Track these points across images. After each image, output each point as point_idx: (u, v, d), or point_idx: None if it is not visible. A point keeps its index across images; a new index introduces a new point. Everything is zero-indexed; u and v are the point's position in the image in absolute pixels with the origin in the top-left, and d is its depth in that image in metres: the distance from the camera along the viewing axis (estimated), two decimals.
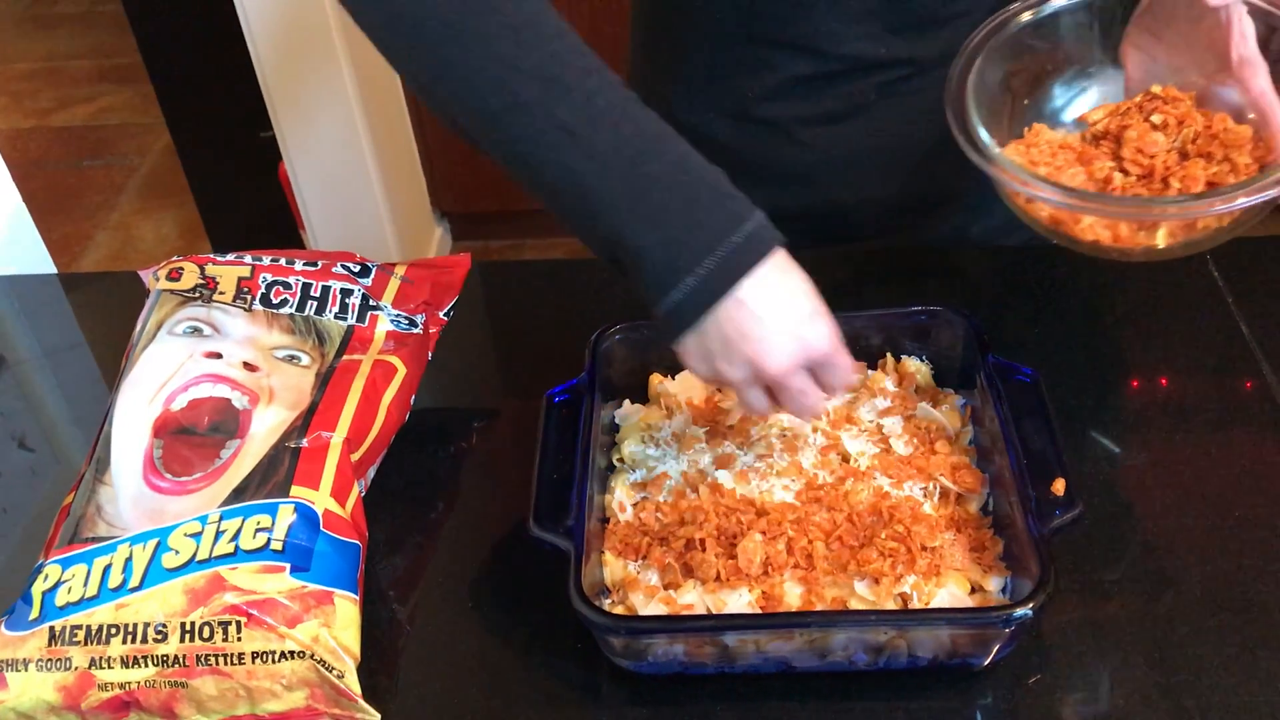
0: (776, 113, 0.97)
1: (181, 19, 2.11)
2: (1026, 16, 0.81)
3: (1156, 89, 0.80)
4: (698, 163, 0.68)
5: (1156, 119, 0.78)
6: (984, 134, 0.77)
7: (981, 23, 0.92)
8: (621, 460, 0.81)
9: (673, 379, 0.85)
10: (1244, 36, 0.75)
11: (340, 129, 2.06)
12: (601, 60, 0.69)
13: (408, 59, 0.70)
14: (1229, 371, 0.89)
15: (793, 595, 0.71)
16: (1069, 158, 0.79)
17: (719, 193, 0.68)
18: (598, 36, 2.50)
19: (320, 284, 0.86)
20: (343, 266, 0.87)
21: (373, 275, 0.88)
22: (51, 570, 0.72)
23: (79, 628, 0.69)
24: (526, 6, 0.68)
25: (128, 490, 0.74)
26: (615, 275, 0.70)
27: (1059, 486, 0.71)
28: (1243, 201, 0.70)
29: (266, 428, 0.77)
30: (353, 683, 0.69)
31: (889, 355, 0.85)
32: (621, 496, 0.77)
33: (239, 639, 0.68)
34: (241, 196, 2.32)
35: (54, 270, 1.23)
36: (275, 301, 0.85)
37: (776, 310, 0.67)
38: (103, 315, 1.10)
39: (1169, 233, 0.74)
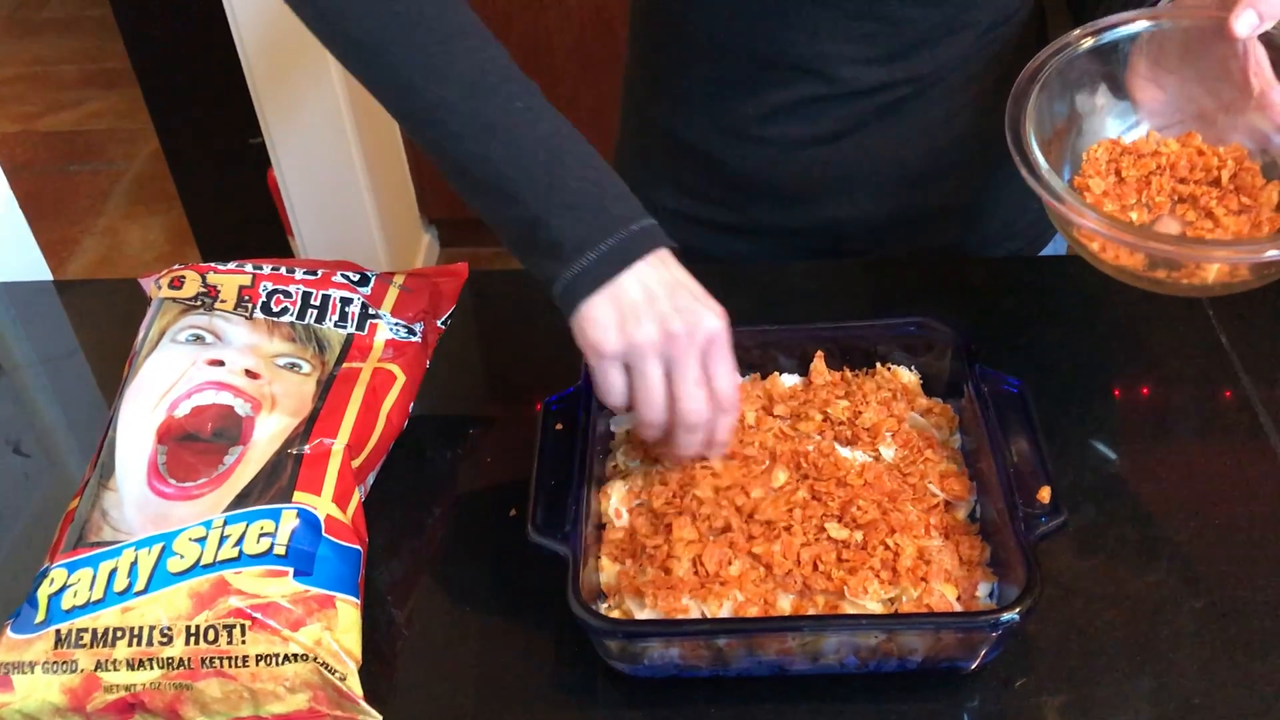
0: (775, 132, 0.99)
1: (171, 23, 2.11)
2: (1086, 44, 0.82)
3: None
4: (603, 164, 0.75)
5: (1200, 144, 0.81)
6: (1042, 160, 0.77)
7: (985, 37, 0.94)
8: (617, 467, 0.82)
9: None
10: (1260, 64, 0.77)
11: (330, 135, 2.07)
12: (520, 71, 0.76)
13: (351, 64, 0.78)
14: (1209, 381, 0.91)
15: (785, 599, 0.72)
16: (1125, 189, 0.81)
17: (622, 190, 0.75)
18: (585, 53, 2.50)
19: (320, 293, 0.87)
20: (342, 275, 0.89)
21: (372, 284, 0.89)
22: (57, 574, 0.73)
23: (85, 631, 0.70)
24: (452, 20, 0.75)
25: (132, 495, 0.76)
26: (522, 257, 0.75)
27: (1044, 494, 0.72)
28: None
29: (269, 434, 0.78)
30: (354, 685, 0.70)
31: (879, 364, 0.87)
32: (617, 503, 0.79)
33: (243, 642, 0.69)
34: (230, 202, 2.32)
35: (49, 277, 1.24)
36: (276, 310, 0.86)
37: (683, 281, 0.73)
38: (98, 322, 1.10)
39: (1221, 272, 0.76)
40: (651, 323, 0.71)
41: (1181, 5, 0.82)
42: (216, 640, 0.69)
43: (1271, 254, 0.71)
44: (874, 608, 0.71)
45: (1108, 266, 0.78)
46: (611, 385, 0.74)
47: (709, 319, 0.72)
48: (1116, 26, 0.82)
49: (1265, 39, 0.76)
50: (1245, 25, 0.73)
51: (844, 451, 0.80)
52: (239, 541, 0.72)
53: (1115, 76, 0.84)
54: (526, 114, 0.74)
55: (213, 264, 0.90)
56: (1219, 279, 0.76)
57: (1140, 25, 0.81)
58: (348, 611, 0.71)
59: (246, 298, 0.86)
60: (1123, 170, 0.81)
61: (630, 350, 0.72)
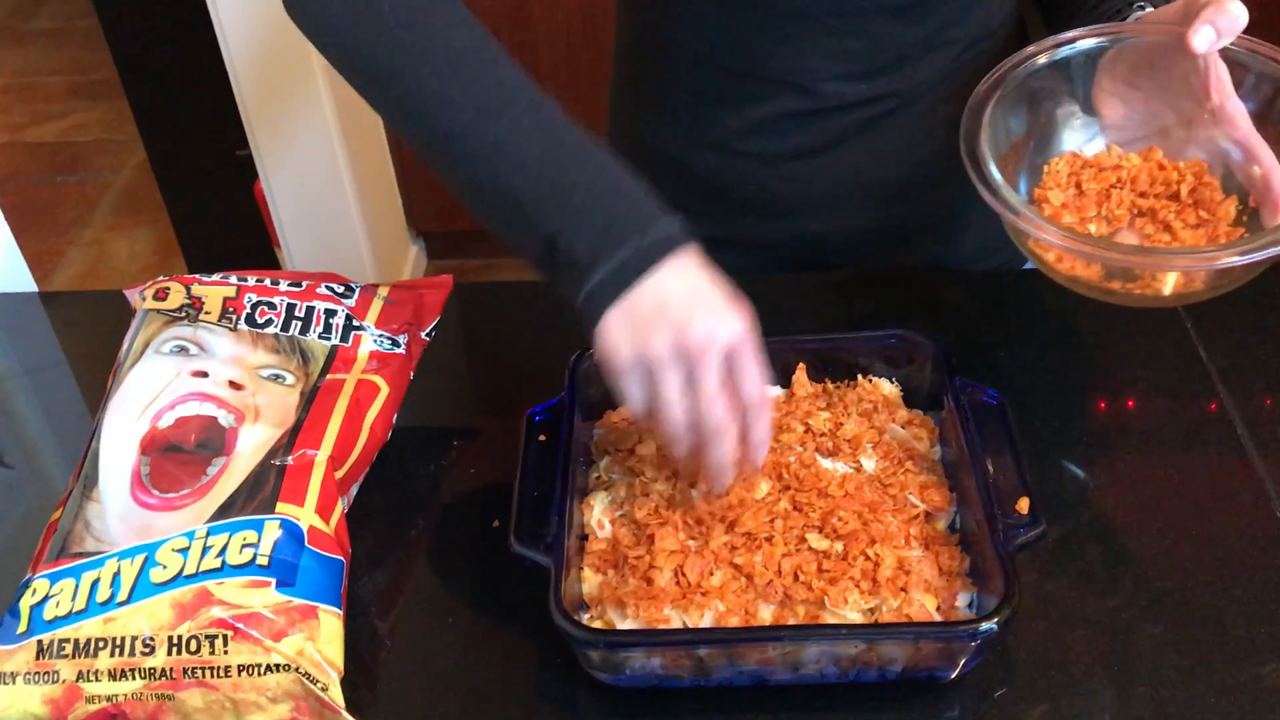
0: (757, 146, 1.00)
1: (159, 35, 2.11)
2: (1042, 59, 0.82)
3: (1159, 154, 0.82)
4: (616, 171, 0.74)
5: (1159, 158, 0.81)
6: (996, 173, 0.77)
7: (967, 53, 0.95)
8: (600, 478, 0.83)
9: None
10: (1221, 81, 0.77)
11: (317, 147, 2.07)
12: (532, 85, 0.76)
13: (368, 96, 0.79)
14: (1187, 395, 0.92)
15: (766, 610, 0.73)
16: (1086, 201, 0.81)
17: (635, 197, 0.73)
18: (573, 66, 2.50)
19: (304, 304, 0.87)
20: (327, 287, 0.89)
21: (356, 296, 0.89)
22: (40, 585, 0.73)
23: (67, 641, 0.70)
24: (459, 44, 0.76)
25: (115, 506, 0.76)
26: (545, 277, 0.74)
27: (1023, 506, 0.73)
28: (1258, 255, 0.70)
29: (252, 445, 0.78)
30: (336, 695, 0.70)
31: (860, 377, 0.87)
32: (600, 514, 0.79)
33: (225, 652, 0.69)
34: (217, 214, 2.32)
35: (35, 288, 1.24)
36: (260, 321, 0.86)
37: (702, 286, 0.71)
38: (83, 334, 1.11)
39: (1176, 283, 0.76)
40: (664, 334, 0.69)
41: (1145, 21, 0.83)
42: (199, 651, 0.69)
43: (1225, 261, 0.72)
44: (854, 618, 0.72)
45: (1061, 277, 0.79)
46: (632, 401, 0.71)
47: (726, 324, 0.69)
48: (1075, 41, 0.82)
49: (1225, 55, 0.78)
50: (1203, 40, 0.74)
51: (825, 463, 0.81)
52: (222, 552, 0.72)
53: (1075, 91, 0.84)
54: (533, 133, 0.73)
55: (197, 275, 0.90)
56: (1175, 290, 0.77)
57: (1102, 40, 0.82)
58: (330, 622, 0.72)
59: (231, 309, 0.87)
60: (1083, 183, 0.82)
61: (644, 362, 0.69)
